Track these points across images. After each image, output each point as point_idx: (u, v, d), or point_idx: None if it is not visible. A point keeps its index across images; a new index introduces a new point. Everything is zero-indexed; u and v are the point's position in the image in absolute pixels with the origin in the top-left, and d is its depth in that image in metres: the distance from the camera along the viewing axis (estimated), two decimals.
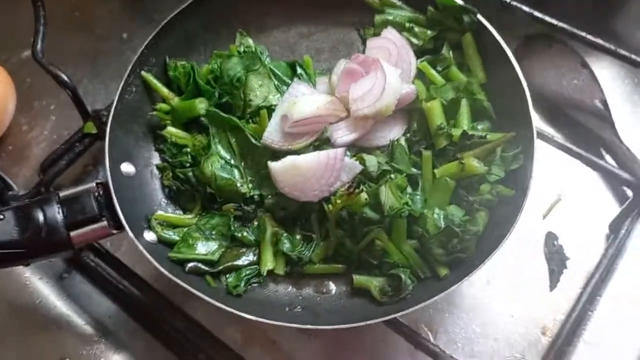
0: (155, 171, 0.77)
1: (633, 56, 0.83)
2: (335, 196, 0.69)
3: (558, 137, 0.80)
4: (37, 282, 0.76)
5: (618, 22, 0.95)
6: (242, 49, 0.80)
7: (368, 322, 0.62)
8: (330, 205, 0.69)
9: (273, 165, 0.70)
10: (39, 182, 0.82)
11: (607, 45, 0.83)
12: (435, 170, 0.71)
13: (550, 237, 0.80)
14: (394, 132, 0.75)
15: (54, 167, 0.82)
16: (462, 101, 0.74)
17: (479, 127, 0.75)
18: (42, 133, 0.91)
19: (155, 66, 0.79)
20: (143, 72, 0.77)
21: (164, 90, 0.78)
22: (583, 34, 0.84)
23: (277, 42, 0.86)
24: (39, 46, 0.83)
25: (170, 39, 0.79)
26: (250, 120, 0.75)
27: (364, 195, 0.67)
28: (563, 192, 0.83)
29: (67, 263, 0.78)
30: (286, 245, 0.71)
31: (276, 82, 0.78)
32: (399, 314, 0.63)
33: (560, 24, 0.85)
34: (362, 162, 0.70)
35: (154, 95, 0.79)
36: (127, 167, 0.73)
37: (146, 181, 0.76)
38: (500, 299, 0.76)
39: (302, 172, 0.69)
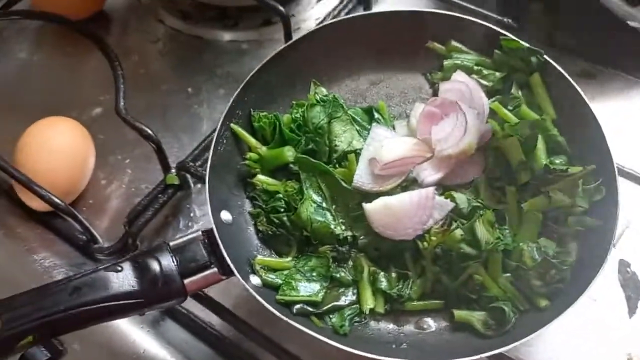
0: (248, 218, 0.80)
1: None
2: (430, 234, 0.72)
3: (621, 164, 0.82)
4: (138, 330, 0.78)
5: None
6: (319, 97, 0.84)
7: (476, 357, 0.64)
8: (425, 243, 0.72)
9: (367, 206, 0.73)
10: (125, 234, 0.84)
11: None
12: (523, 205, 0.74)
13: (623, 265, 0.82)
14: (474, 170, 0.79)
15: (139, 218, 0.85)
16: (539, 137, 0.78)
17: (556, 161, 0.78)
18: (120, 187, 0.94)
19: (242, 118, 0.83)
20: (232, 125, 0.81)
21: (252, 141, 0.81)
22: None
23: (349, 90, 0.90)
24: (121, 103, 0.87)
25: (253, 92, 0.83)
26: (336, 165, 0.79)
27: (459, 232, 0.70)
28: (630, 219, 0.84)
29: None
30: (384, 284, 0.73)
31: (357, 127, 0.81)
32: (509, 346, 0.64)
33: None
34: (453, 199, 0.73)
35: (241, 146, 0.83)
36: (225, 215, 0.76)
37: (242, 228, 0.78)
38: (582, 328, 0.77)
39: (395, 212, 0.72)
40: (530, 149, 0.78)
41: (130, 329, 0.78)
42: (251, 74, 0.82)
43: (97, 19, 1.13)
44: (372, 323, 0.73)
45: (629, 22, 0.93)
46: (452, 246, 0.71)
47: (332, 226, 0.75)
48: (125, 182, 0.94)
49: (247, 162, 0.80)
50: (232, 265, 0.68)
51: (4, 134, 0.91)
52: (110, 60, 0.93)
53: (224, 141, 0.80)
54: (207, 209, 0.73)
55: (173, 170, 0.88)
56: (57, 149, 0.86)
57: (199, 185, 0.91)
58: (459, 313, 0.72)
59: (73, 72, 1.08)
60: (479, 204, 0.73)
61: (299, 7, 1.13)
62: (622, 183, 0.80)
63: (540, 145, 0.78)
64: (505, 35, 0.83)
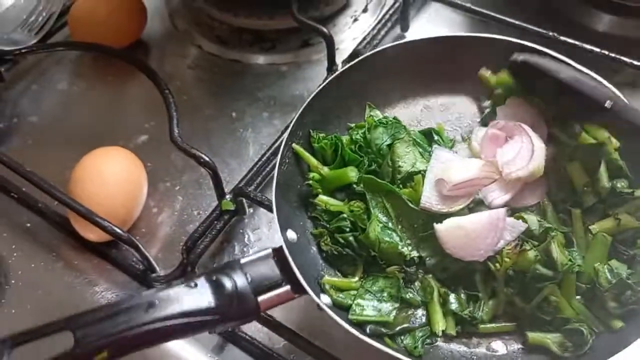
0: (310, 238, 0.79)
1: None
2: (502, 255, 0.71)
3: None
4: (203, 357, 0.76)
5: None
6: (379, 119, 0.84)
7: None
8: (497, 265, 0.71)
9: (439, 226, 0.73)
10: (183, 261, 0.82)
11: None
12: (592, 227, 0.74)
13: None
14: (539, 193, 0.79)
15: (197, 246, 0.83)
16: (602, 161, 0.78)
17: (618, 185, 0.78)
18: (172, 214, 0.92)
19: (302, 139, 0.82)
20: (294, 145, 0.80)
21: (314, 161, 0.81)
22: None
23: (403, 114, 0.91)
24: (176, 131, 0.87)
25: (312, 114, 0.83)
26: (400, 186, 0.78)
27: (533, 253, 0.70)
28: None
29: (221, 335, 0.78)
30: (454, 305, 0.72)
31: (420, 149, 0.81)
32: None
33: None
34: (524, 220, 0.73)
35: (302, 167, 0.82)
36: (291, 234, 0.75)
37: (306, 247, 0.77)
38: None
39: (467, 232, 0.72)
40: (594, 172, 0.78)
41: (196, 356, 0.76)
42: (311, 96, 0.82)
43: (135, 47, 1.14)
44: (443, 345, 0.72)
45: None
46: (526, 267, 0.70)
47: (400, 246, 0.74)
48: (176, 209, 0.93)
49: (309, 181, 0.80)
50: (304, 283, 0.66)
51: (54, 167, 0.90)
52: (159, 88, 0.93)
53: (286, 161, 0.79)
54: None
55: (228, 196, 0.87)
56: (112, 178, 0.85)
57: (251, 210, 0.91)
58: (532, 335, 0.71)
59: (115, 100, 1.08)
60: (550, 226, 0.73)
61: (335, 28, 1.14)
62: None
63: (603, 169, 0.78)
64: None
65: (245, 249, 0.88)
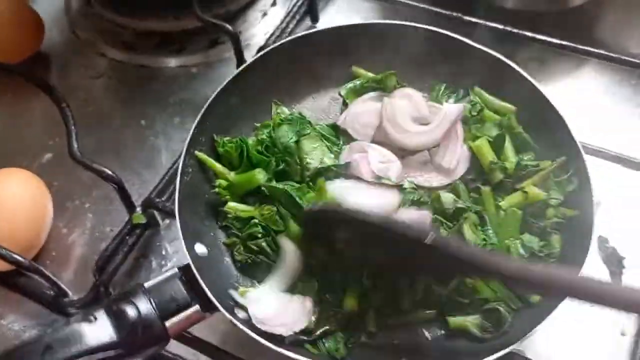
0: (223, 248, 0.76)
1: (624, 57, 0.90)
2: None
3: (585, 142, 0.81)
4: None
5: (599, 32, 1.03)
6: (284, 117, 0.82)
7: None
8: None
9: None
10: (96, 282, 0.79)
11: (600, 52, 0.91)
12: (501, 203, 0.74)
13: (602, 241, 0.81)
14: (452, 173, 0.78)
15: (109, 265, 0.80)
16: (506, 136, 0.78)
17: (525, 158, 0.78)
18: (83, 233, 0.88)
19: (204, 145, 0.79)
20: (197, 152, 0.77)
21: (219, 167, 0.78)
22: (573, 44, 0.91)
23: (311, 108, 0.88)
24: (75, 146, 0.82)
25: (213, 118, 0.80)
26: (310, 183, 0.77)
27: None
28: (601, 194, 0.78)
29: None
30: (374, 301, 0.71)
31: (327, 144, 0.79)
32: (511, 347, 0.63)
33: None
34: (438, 199, 0.72)
35: (208, 174, 0.79)
36: (199, 248, 0.72)
37: (218, 260, 0.75)
38: (575, 313, 0.74)
39: None
40: (499, 148, 0.78)
41: None
42: (211, 98, 0.79)
43: (35, 61, 1.08)
44: (368, 341, 0.71)
45: None
46: None
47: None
48: (87, 228, 0.89)
49: (217, 189, 0.77)
50: (215, 301, 0.64)
51: None
52: (56, 102, 0.87)
53: (190, 170, 0.76)
54: (180, 245, 0.69)
55: (138, 209, 0.84)
56: (11, 203, 0.80)
57: (167, 221, 0.87)
58: (453, 320, 0.70)
59: (15, 119, 1.02)
60: (462, 206, 0.72)
61: (245, 24, 1.11)
62: (589, 161, 0.80)
63: (508, 144, 0.78)
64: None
65: (164, 262, 0.84)
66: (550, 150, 0.77)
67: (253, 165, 0.79)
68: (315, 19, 1.06)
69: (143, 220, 0.82)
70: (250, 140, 0.81)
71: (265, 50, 0.85)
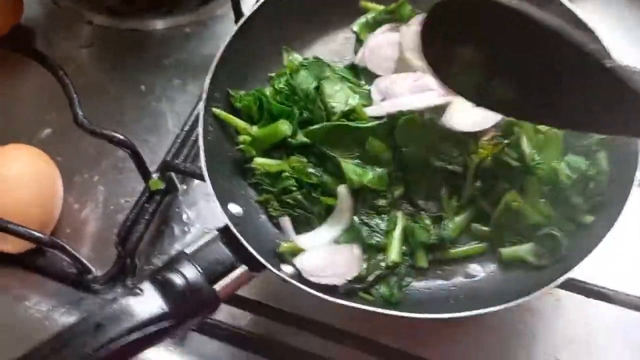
0: (257, 206, 0.73)
1: None
2: (478, 146, 0.67)
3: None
4: (163, 352, 0.70)
5: None
6: (299, 62, 0.77)
7: (545, 289, 0.60)
8: (473, 156, 0.67)
9: None
10: (120, 254, 0.75)
11: None
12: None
13: None
14: None
15: (131, 236, 0.76)
16: None
17: None
18: (96, 207, 0.84)
19: (221, 101, 0.75)
20: (214, 109, 0.73)
21: (241, 123, 0.74)
22: None
23: (323, 52, 0.82)
24: (80, 114, 0.78)
25: (226, 73, 0.75)
26: None
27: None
28: None
29: None
30: (421, 235, 0.68)
31: (349, 84, 0.75)
32: (570, 272, 0.61)
33: None
34: None
35: (229, 131, 0.75)
36: (234, 208, 0.69)
37: (254, 218, 0.71)
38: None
39: None
40: None
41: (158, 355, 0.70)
42: (218, 53, 0.73)
43: (16, 35, 1.00)
44: (420, 284, 0.68)
45: None
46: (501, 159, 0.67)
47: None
48: (100, 201, 0.85)
49: (240, 146, 0.73)
50: (261, 259, 0.61)
51: None
52: (52, 71, 0.84)
53: (210, 129, 0.72)
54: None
55: (154, 175, 0.79)
56: (18, 180, 0.76)
57: (184, 186, 0.84)
58: (505, 251, 0.68)
59: (7, 95, 0.96)
60: (513, 120, 0.68)
61: None
62: None
63: None
64: None
65: (186, 229, 0.81)
66: None
67: (274, 117, 0.74)
68: None
69: (161, 185, 0.79)
70: (268, 92, 0.76)
71: None
